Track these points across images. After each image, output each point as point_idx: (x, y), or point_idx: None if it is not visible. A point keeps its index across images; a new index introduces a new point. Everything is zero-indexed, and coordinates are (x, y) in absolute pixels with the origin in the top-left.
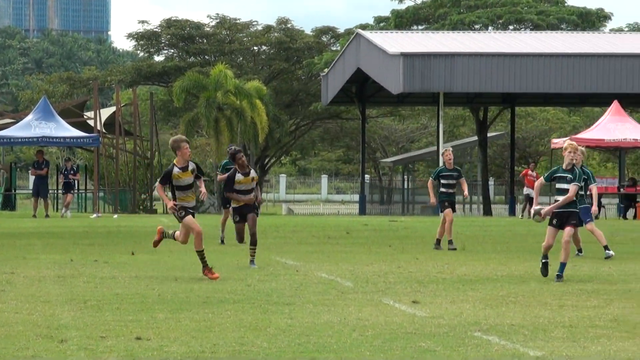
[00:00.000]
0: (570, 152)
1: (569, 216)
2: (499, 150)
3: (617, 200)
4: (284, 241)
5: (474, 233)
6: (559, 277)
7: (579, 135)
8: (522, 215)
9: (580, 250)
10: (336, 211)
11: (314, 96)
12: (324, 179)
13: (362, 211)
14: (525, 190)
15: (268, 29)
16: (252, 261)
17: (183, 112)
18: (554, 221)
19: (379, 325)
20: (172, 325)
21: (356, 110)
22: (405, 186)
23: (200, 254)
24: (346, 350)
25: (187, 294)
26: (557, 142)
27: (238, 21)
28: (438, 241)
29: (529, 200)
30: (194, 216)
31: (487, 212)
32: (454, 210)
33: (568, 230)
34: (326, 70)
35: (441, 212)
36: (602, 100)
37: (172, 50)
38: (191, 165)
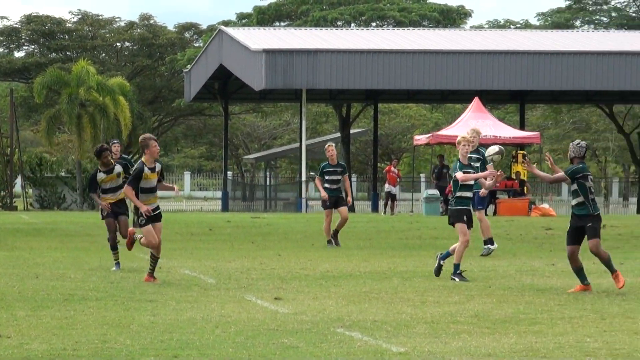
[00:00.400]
0: (464, 145)
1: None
2: (362, 147)
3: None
4: None
5: None
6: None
7: (441, 132)
8: (384, 212)
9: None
10: (199, 208)
11: (177, 93)
12: (187, 175)
13: (225, 208)
14: (387, 187)
15: (131, 25)
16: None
17: (44, 109)
18: (464, 217)
19: (241, 322)
20: (33, 323)
21: (219, 106)
22: (268, 183)
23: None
24: (209, 347)
25: (48, 291)
26: (419, 138)
27: (100, 17)
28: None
29: (391, 196)
30: (160, 217)
31: (350, 208)
32: (336, 206)
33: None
34: (189, 66)
35: (324, 209)
36: (463, 97)
37: (32, 46)
38: (158, 166)
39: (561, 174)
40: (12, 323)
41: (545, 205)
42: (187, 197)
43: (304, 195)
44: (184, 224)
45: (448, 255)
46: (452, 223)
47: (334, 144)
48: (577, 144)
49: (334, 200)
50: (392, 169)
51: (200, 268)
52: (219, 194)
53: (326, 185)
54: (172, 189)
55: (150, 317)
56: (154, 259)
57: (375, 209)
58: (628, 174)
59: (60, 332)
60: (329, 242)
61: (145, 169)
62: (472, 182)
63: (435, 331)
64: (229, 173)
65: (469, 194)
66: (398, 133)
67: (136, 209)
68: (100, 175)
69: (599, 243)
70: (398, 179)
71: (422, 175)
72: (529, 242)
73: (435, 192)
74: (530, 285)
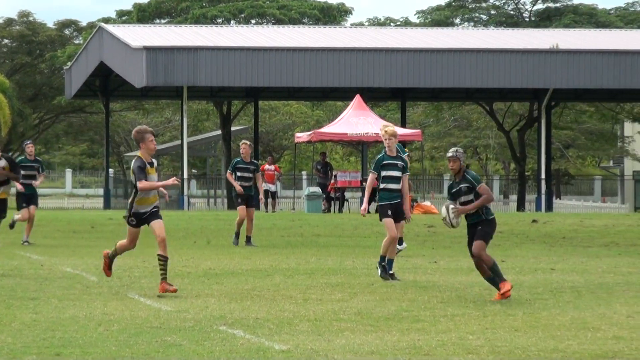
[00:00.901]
0: (389, 137)
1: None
2: None
3: (359, 194)
4: None
5: (218, 227)
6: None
7: (323, 130)
8: (266, 210)
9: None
10: (81, 205)
11: (57, 90)
12: (68, 173)
13: (107, 205)
14: (265, 185)
15: (9, 22)
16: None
17: None
18: (389, 212)
19: (124, 320)
20: None
21: (100, 104)
22: None
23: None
24: (92, 345)
25: None
26: (300, 136)
27: None
28: (237, 234)
29: (270, 194)
30: (158, 213)
31: (231, 206)
32: (249, 205)
33: (402, 224)
34: (69, 64)
35: (237, 205)
36: (344, 95)
37: None
38: (155, 162)
39: (483, 196)
40: None
41: (427, 203)
42: (69, 194)
43: (185, 192)
44: (65, 221)
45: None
46: (380, 220)
47: (249, 142)
48: (463, 151)
49: (246, 198)
50: (268, 166)
51: (83, 266)
52: (100, 191)
53: (238, 182)
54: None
55: (32, 315)
56: (163, 261)
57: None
58: (508, 172)
59: None
60: (237, 234)
61: (146, 164)
62: (396, 174)
63: (318, 329)
64: (111, 170)
65: (393, 186)
66: (279, 130)
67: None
68: None
69: (484, 246)
70: (278, 176)
71: (304, 172)
72: (412, 240)
73: (317, 189)
74: (413, 283)
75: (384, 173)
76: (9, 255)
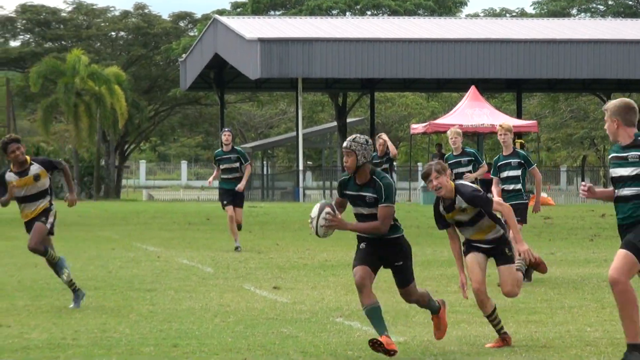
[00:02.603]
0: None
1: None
2: None
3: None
4: (145, 227)
5: None
6: None
7: (438, 121)
8: None
9: None
10: (196, 197)
11: (172, 82)
12: (184, 164)
13: None
14: None
15: (125, 14)
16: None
17: (41, 98)
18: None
19: (240, 311)
20: (33, 312)
21: (215, 96)
22: (265, 172)
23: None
24: (208, 337)
25: (47, 280)
26: (416, 127)
27: (95, 6)
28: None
29: None
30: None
31: None
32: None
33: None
34: (184, 55)
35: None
36: (459, 86)
37: (28, 36)
38: (33, 171)
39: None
40: (12, 312)
41: (544, 195)
42: (184, 186)
43: (301, 184)
44: (181, 213)
45: None
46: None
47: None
48: (365, 141)
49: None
50: None
51: (199, 257)
52: (215, 183)
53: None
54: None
55: (149, 307)
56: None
57: None
58: None
59: (59, 322)
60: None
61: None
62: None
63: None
64: None
65: (506, 187)
66: (395, 122)
67: None
68: (10, 176)
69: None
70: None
71: (419, 164)
72: (528, 231)
73: None
74: None
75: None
76: (126, 247)
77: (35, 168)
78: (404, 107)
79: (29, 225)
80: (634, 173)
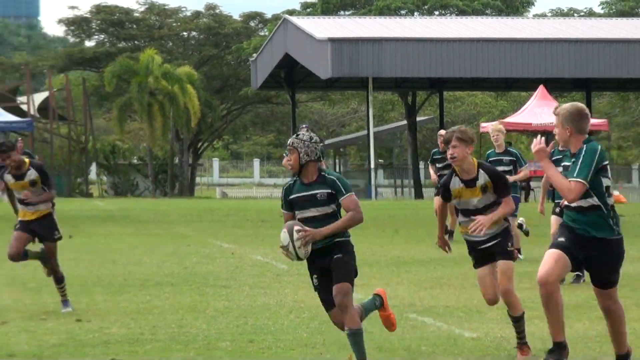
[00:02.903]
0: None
1: None
2: (428, 135)
3: None
4: (219, 224)
5: (406, 216)
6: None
7: (507, 119)
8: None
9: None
10: (269, 194)
11: (244, 81)
12: (256, 162)
13: None
14: None
15: (197, 14)
16: (64, 302)
17: (115, 97)
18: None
19: (314, 308)
20: (112, 308)
21: (286, 95)
22: (337, 170)
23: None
24: (283, 332)
25: (125, 276)
26: (485, 126)
27: (167, 7)
28: None
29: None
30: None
31: (419, 195)
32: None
33: None
34: (255, 55)
35: None
36: (527, 85)
37: (102, 36)
38: (30, 175)
39: None
40: (92, 308)
41: (616, 193)
42: (257, 184)
43: (373, 182)
44: (254, 210)
45: None
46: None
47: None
48: (318, 140)
49: None
50: None
51: (272, 254)
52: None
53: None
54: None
55: (225, 302)
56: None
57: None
58: None
59: (138, 317)
60: None
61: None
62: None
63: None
64: None
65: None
66: (464, 120)
67: None
68: (7, 177)
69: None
70: None
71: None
72: None
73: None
74: None
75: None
76: (201, 243)
77: (31, 173)
78: (473, 106)
79: (23, 225)
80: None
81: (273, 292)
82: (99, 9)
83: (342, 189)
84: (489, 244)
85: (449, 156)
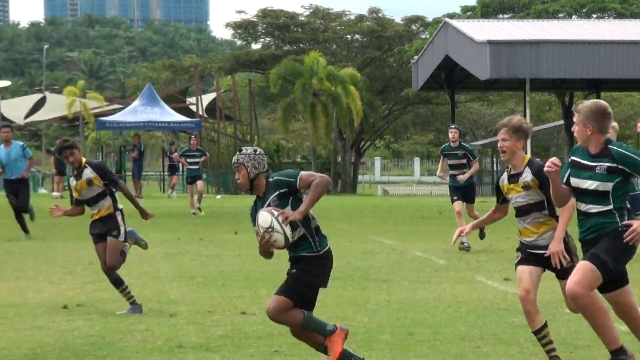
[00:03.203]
0: None
1: None
2: None
3: None
4: (380, 221)
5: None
6: None
7: None
8: None
9: None
10: (429, 192)
11: (405, 82)
12: (417, 161)
13: None
14: None
15: (360, 18)
16: (133, 303)
17: (280, 98)
18: None
19: (472, 302)
20: None
21: (446, 95)
22: (495, 168)
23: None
24: (442, 325)
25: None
26: None
27: (331, 11)
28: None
29: None
30: None
31: None
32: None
33: None
34: (416, 57)
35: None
36: None
37: (268, 39)
38: (86, 174)
39: None
40: (256, 301)
41: None
42: (417, 182)
43: None
44: (414, 207)
45: None
46: None
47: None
48: (259, 153)
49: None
50: None
51: (431, 250)
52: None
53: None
54: None
55: (385, 296)
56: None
57: None
58: None
59: None
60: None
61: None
62: None
63: None
64: None
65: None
66: (621, 120)
67: None
68: (71, 180)
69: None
70: None
71: None
72: None
73: None
74: None
75: None
76: (363, 239)
77: (88, 172)
78: (631, 106)
79: (93, 226)
80: (600, 188)
81: (432, 286)
82: (265, 13)
83: (289, 179)
84: (542, 251)
85: (499, 149)
